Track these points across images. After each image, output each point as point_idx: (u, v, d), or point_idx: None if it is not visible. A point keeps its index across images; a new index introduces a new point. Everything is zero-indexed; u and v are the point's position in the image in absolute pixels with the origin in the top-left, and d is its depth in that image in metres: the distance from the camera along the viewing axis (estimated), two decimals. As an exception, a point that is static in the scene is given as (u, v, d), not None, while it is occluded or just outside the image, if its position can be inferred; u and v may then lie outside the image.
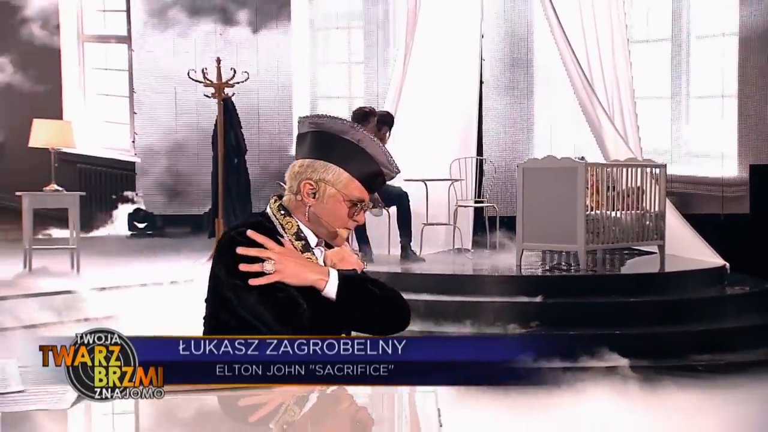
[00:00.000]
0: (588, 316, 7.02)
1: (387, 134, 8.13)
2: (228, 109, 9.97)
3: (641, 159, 8.54)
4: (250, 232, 2.32)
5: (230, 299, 2.36)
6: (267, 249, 2.33)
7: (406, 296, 6.72)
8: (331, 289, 2.33)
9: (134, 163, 13.05)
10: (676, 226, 8.42)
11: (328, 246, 2.56)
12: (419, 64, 8.86)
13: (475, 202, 9.45)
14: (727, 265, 8.02)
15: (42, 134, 9.02)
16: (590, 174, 7.73)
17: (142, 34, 13.02)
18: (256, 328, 2.32)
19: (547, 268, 8.04)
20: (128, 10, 13.18)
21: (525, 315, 6.93)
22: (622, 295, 7.29)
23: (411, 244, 8.23)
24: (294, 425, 2.20)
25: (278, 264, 2.29)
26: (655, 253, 8.28)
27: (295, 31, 13.06)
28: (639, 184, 8.05)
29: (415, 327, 6.52)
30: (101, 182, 13.28)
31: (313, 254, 2.48)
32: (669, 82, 11.04)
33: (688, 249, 8.35)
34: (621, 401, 5.90)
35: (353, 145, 2.45)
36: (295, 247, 2.43)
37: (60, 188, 8.89)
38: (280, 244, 2.38)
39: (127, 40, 13.28)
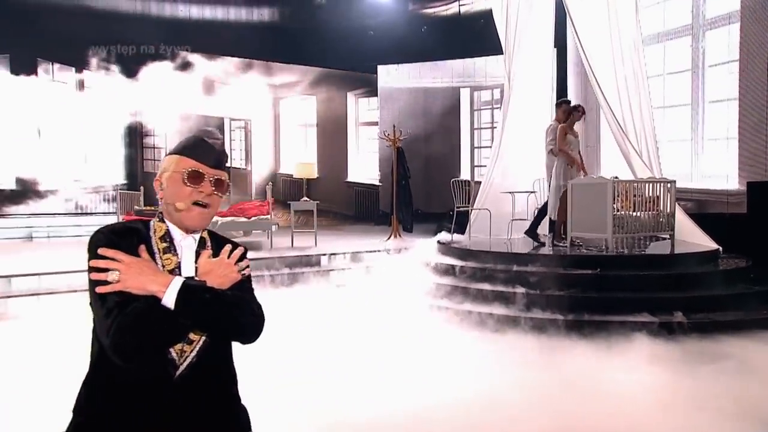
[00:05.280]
0: (612, 284, 5.13)
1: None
2: (400, 153, 8.86)
3: (659, 177, 6.50)
4: (101, 250, 1.30)
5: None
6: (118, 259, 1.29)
7: (503, 266, 5.03)
8: (168, 300, 1.28)
9: (378, 186, 12.10)
10: (684, 221, 6.34)
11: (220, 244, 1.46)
12: (513, 125, 7.31)
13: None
14: (720, 248, 5.82)
15: (299, 171, 8.37)
16: (622, 187, 5.91)
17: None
18: None
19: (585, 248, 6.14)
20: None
21: (566, 282, 5.15)
22: (638, 269, 5.34)
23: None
24: None
25: (123, 275, 1.28)
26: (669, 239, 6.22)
27: (463, 111, 11.93)
28: (657, 194, 6.04)
29: (500, 288, 5.11)
30: (365, 196, 12.62)
31: (175, 254, 1.41)
32: (689, 131, 8.67)
33: (692, 237, 6.26)
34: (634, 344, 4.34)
35: (182, 140, 1.48)
36: (158, 249, 1.40)
37: (307, 199, 8.14)
38: (140, 243, 1.37)
39: (376, 123, 12.53)
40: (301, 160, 9.14)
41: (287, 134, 13.23)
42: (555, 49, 9.43)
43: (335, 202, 12.48)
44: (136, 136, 12.08)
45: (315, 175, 8.88)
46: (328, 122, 13.22)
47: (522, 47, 7.19)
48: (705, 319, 4.55)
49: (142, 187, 9.55)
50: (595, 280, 5.11)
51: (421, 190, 10.98)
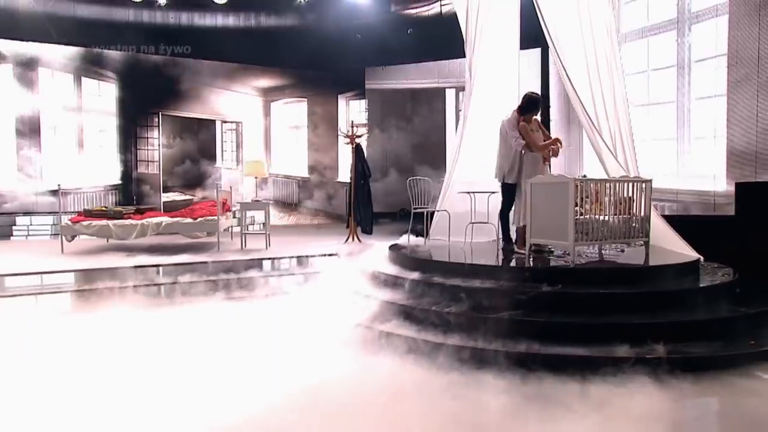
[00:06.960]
0: (575, 305, 3.86)
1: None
2: (358, 150, 7.71)
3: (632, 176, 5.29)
4: None
5: None
6: None
7: (447, 280, 3.61)
8: None
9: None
10: (660, 226, 5.24)
11: None
12: (475, 124, 6.27)
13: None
14: (701, 258, 4.59)
15: (249, 170, 7.26)
16: (592, 188, 4.72)
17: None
18: None
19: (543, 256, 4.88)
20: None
21: (515, 302, 3.88)
22: (605, 286, 4.04)
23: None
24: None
25: None
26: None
27: (449, 111, 10.91)
28: (630, 194, 4.86)
29: (436, 308, 3.87)
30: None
31: None
32: (675, 130, 7.48)
33: (670, 244, 5.15)
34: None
35: None
36: None
37: (259, 199, 7.04)
38: None
39: (366, 125, 11.46)
40: (253, 158, 8.04)
41: (279, 136, 12.36)
42: (540, 48, 8.32)
43: (328, 202, 11.85)
44: (129, 136, 11.19)
45: (266, 173, 7.81)
46: (320, 124, 12.41)
47: (483, 42, 6.24)
48: (683, 353, 3.29)
49: (115, 187, 8.59)
50: (553, 299, 3.84)
51: (405, 191, 9.86)
